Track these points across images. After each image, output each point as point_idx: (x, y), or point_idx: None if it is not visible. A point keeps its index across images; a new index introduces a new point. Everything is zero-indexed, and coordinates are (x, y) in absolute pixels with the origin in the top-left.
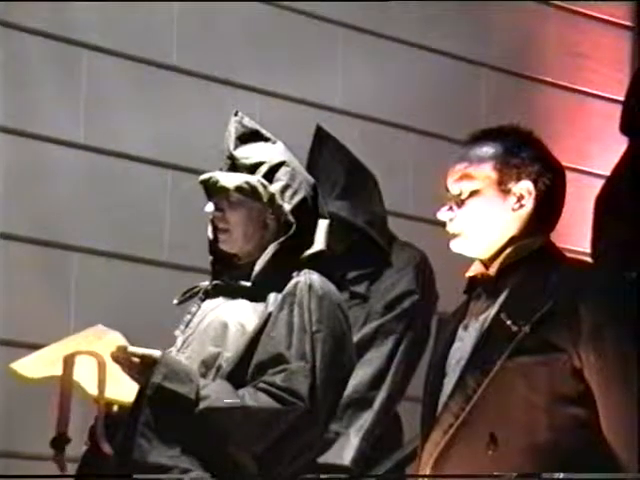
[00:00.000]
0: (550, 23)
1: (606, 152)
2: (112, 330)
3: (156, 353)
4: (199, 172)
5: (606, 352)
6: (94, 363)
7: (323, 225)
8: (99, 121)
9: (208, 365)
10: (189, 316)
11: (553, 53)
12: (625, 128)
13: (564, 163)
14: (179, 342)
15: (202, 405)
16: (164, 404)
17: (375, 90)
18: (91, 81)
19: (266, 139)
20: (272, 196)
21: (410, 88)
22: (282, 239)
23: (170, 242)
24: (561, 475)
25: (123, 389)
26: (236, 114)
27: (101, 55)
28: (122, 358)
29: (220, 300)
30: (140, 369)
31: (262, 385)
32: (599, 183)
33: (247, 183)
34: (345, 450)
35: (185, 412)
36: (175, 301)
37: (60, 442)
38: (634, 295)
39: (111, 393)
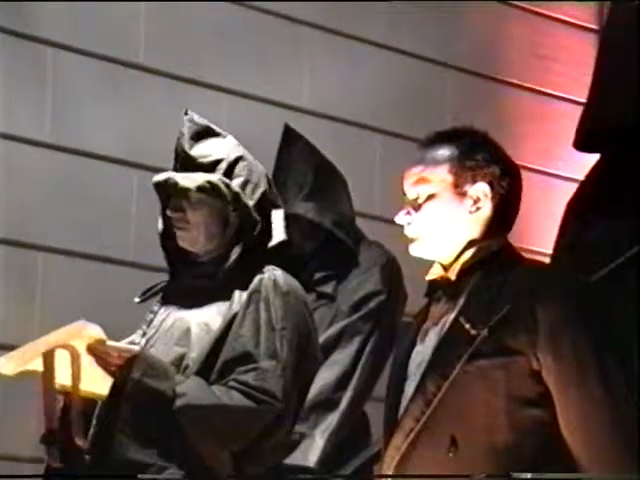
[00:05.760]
0: (516, 25)
1: (573, 154)
2: (93, 324)
3: (135, 348)
4: (166, 171)
5: (563, 353)
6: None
7: (279, 216)
8: (65, 120)
9: (175, 366)
10: (151, 315)
11: (519, 55)
12: (581, 144)
13: (531, 165)
14: (142, 341)
15: (180, 402)
16: (142, 400)
17: (341, 90)
18: (57, 80)
19: (217, 134)
20: (236, 195)
21: (376, 88)
22: (248, 236)
23: (136, 242)
24: (529, 475)
25: (98, 383)
26: (186, 113)
27: (67, 53)
28: (100, 351)
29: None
30: (118, 364)
31: (234, 384)
32: (566, 185)
33: (209, 182)
34: (310, 451)
35: (162, 409)
36: (136, 299)
37: (50, 438)
38: (590, 296)
39: (85, 387)
